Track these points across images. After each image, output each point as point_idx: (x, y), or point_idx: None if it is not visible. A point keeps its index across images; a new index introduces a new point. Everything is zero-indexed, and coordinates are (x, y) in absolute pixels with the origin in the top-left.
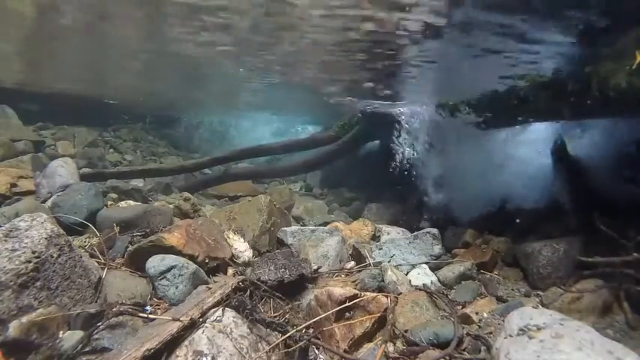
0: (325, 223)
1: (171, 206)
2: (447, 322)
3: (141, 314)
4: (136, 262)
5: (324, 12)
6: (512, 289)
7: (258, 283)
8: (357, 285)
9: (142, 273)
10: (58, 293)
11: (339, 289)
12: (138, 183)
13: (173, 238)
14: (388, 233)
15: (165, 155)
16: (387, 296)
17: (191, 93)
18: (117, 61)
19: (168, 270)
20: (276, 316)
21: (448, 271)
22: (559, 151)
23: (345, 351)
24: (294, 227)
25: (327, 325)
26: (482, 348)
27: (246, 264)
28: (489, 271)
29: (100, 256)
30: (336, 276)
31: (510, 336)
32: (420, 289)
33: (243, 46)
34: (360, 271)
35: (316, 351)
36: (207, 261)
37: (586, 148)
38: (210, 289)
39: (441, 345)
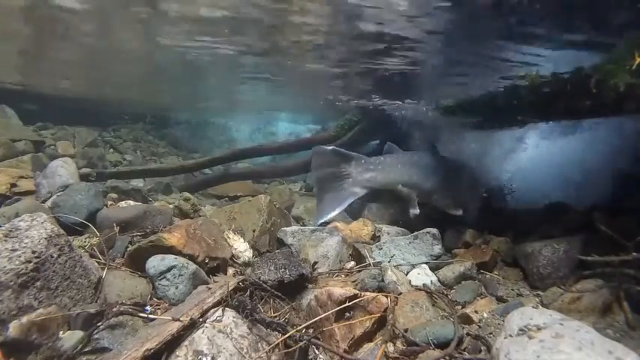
0: (325, 223)
1: (171, 206)
2: (447, 322)
3: (141, 314)
4: (136, 262)
5: None
6: (512, 289)
7: (258, 283)
8: (357, 285)
9: (142, 273)
10: (58, 293)
11: (339, 289)
12: (138, 183)
13: (173, 238)
14: (388, 233)
15: (165, 155)
16: (387, 296)
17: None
18: None
19: (168, 270)
20: (276, 316)
21: (448, 271)
22: None
23: (345, 351)
24: (294, 227)
25: (327, 325)
26: (482, 348)
27: (246, 264)
28: (489, 271)
29: (100, 256)
30: (336, 276)
31: (510, 336)
32: (420, 289)
33: None
34: (360, 271)
35: (316, 351)
36: (207, 261)
37: None
38: (210, 289)
39: (441, 345)
